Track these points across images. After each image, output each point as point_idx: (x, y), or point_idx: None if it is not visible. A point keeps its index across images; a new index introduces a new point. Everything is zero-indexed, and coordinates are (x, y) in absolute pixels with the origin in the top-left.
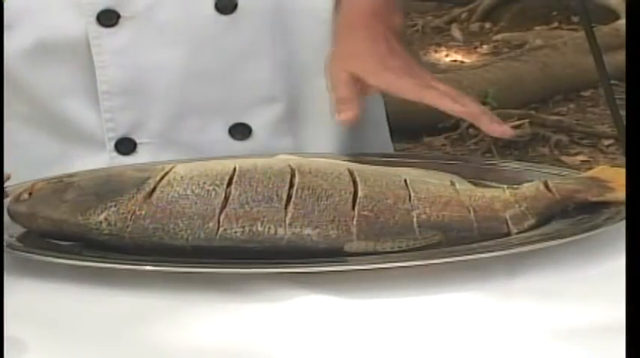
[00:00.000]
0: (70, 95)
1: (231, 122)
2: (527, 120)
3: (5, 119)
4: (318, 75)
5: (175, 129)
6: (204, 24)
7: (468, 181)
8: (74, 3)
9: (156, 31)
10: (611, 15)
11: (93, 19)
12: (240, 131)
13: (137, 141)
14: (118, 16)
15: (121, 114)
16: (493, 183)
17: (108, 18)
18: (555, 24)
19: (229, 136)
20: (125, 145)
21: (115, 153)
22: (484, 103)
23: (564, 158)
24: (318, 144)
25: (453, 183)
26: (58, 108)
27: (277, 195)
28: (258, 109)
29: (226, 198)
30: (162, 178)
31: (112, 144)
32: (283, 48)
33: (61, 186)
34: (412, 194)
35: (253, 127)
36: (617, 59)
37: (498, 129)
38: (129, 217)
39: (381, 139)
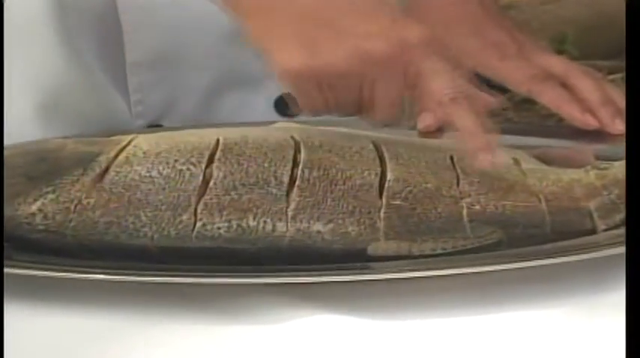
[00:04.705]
0: None
1: (277, 93)
2: (619, 75)
3: None
4: None
5: (211, 107)
6: None
7: (537, 159)
8: None
9: None
10: None
11: None
12: (288, 103)
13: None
14: None
15: (151, 94)
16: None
17: None
18: None
19: (274, 111)
20: None
21: None
22: (560, 52)
23: None
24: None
25: (517, 162)
26: None
27: (276, 178)
28: None
29: (206, 182)
30: (117, 154)
31: None
32: None
33: None
34: (461, 176)
35: None
36: None
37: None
38: (72, 208)
39: None
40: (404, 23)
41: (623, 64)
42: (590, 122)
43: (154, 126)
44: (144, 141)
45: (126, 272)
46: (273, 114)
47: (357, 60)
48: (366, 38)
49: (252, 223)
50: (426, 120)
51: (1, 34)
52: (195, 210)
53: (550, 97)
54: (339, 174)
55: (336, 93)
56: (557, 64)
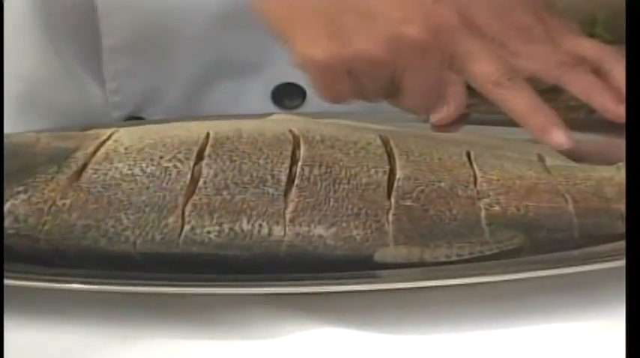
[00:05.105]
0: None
1: (276, 82)
2: None
3: None
4: None
5: (200, 98)
6: None
7: (564, 155)
8: None
9: None
10: None
11: None
12: (289, 94)
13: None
14: None
15: (130, 82)
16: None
17: None
18: None
19: (272, 103)
20: None
21: None
22: (591, 36)
23: None
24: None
25: (541, 158)
26: None
27: (272, 176)
28: None
29: (195, 181)
30: (96, 150)
31: None
32: None
33: None
34: (479, 174)
35: (307, 89)
36: None
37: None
38: (45, 209)
39: None
40: (441, 5)
41: None
42: (624, 114)
43: (134, 119)
44: (125, 136)
45: (105, 281)
46: (271, 106)
47: (393, 47)
48: (402, 23)
49: (246, 227)
50: (439, 113)
51: (1, 34)
52: (183, 212)
53: (580, 86)
54: (343, 171)
55: (367, 81)
56: (589, 47)
